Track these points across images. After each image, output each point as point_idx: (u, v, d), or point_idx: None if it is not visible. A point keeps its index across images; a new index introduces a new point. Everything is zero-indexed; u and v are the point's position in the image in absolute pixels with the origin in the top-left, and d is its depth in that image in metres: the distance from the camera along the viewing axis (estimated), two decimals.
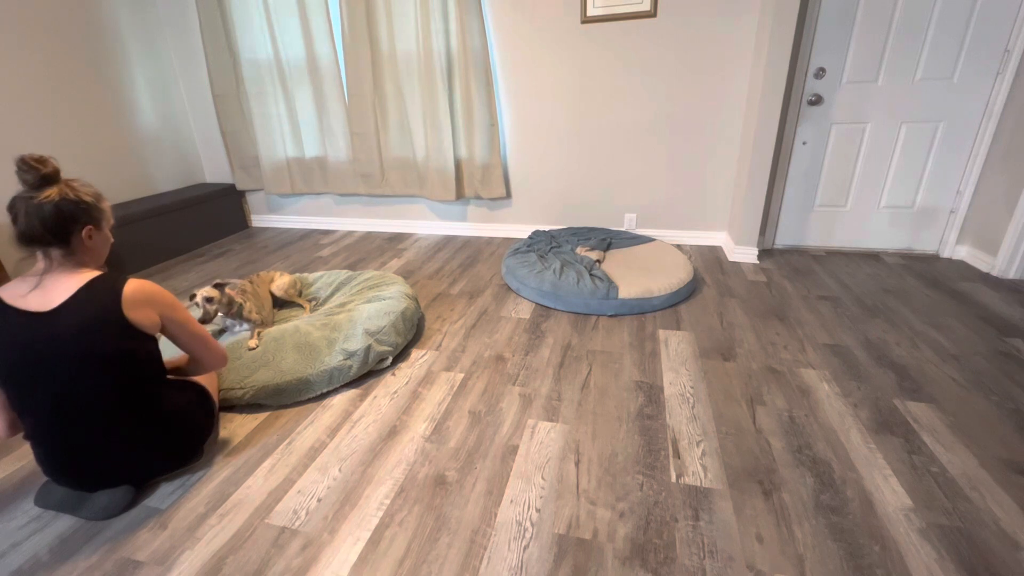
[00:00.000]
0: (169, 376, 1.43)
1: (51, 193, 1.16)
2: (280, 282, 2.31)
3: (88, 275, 1.21)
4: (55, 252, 1.19)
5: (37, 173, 1.15)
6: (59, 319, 1.15)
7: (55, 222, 1.16)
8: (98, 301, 1.19)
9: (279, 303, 2.34)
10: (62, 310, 1.16)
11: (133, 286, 1.23)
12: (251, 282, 2.19)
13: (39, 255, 1.20)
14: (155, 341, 1.33)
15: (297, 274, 2.52)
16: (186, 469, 1.48)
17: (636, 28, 2.84)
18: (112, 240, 1.33)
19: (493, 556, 1.17)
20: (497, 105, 3.20)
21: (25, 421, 1.24)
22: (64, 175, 1.23)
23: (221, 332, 2.01)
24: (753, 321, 2.20)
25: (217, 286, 1.88)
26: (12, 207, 1.15)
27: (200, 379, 1.53)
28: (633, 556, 1.15)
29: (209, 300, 1.83)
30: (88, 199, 1.22)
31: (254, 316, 1.98)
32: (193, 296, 1.84)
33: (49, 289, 1.17)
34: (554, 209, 3.43)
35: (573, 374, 1.86)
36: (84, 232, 1.22)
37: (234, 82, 3.56)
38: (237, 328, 1.98)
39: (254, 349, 1.82)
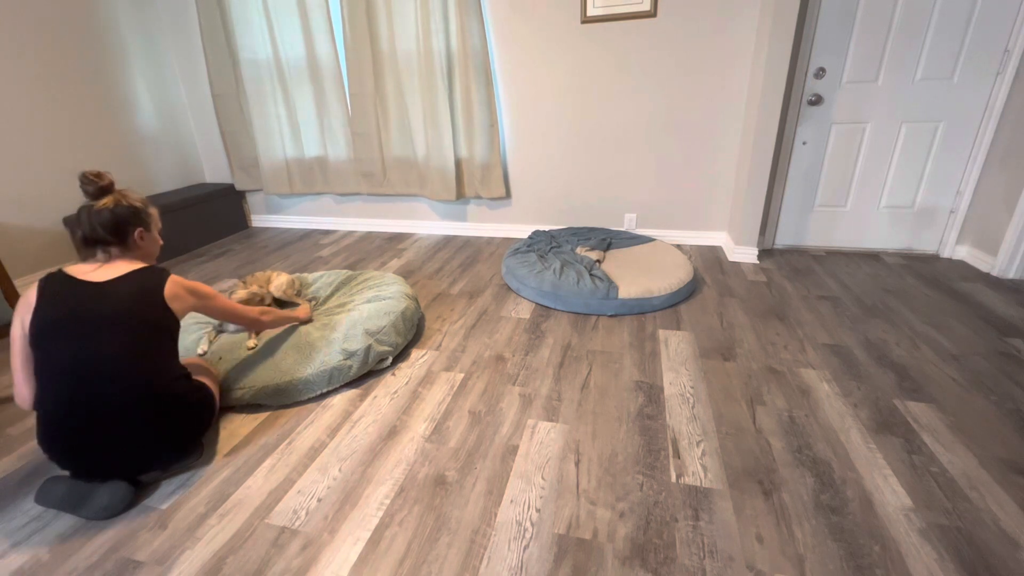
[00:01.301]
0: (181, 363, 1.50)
1: (107, 201, 1.38)
2: (278, 282, 2.31)
3: (141, 264, 1.43)
4: (113, 250, 1.41)
5: (96, 185, 1.38)
6: (109, 287, 1.33)
7: (112, 224, 1.38)
8: (145, 280, 1.38)
9: (278, 303, 2.34)
10: (114, 282, 1.34)
11: (176, 278, 1.44)
12: (245, 282, 2.19)
13: (99, 253, 1.40)
14: (178, 326, 1.45)
15: (297, 274, 2.52)
16: (186, 468, 1.48)
17: (636, 28, 2.84)
18: (161, 242, 1.55)
19: (493, 556, 1.17)
20: (497, 105, 3.20)
21: (40, 385, 1.30)
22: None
23: (220, 333, 2.01)
24: (753, 321, 2.20)
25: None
26: (78, 215, 1.38)
27: (201, 376, 1.56)
28: (633, 556, 1.15)
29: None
30: (138, 204, 1.44)
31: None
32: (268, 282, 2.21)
33: (108, 268, 1.37)
34: (554, 209, 3.43)
35: (573, 374, 1.86)
36: (136, 233, 1.43)
37: (234, 82, 3.56)
38: (232, 328, 1.98)
39: (253, 349, 1.82)
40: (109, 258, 1.40)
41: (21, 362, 1.32)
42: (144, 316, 1.34)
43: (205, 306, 1.52)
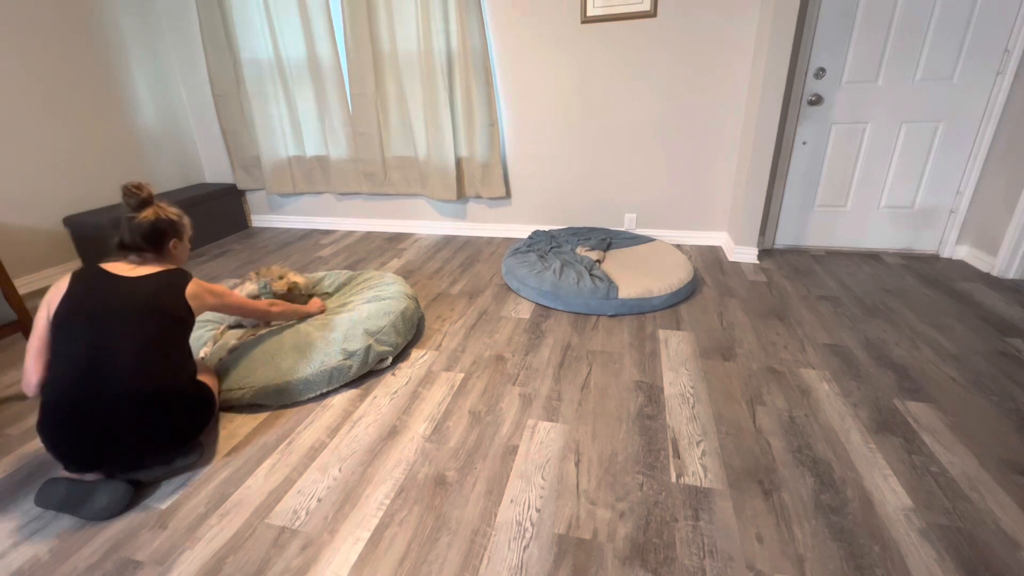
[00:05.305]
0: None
1: (148, 214, 1.50)
2: (295, 281, 2.32)
3: (171, 267, 1.55)
4: (148, 255, 1.53)
5: (137, 197, 1.50)
6: (138, 281, 1.44)
7: (151, 236, 1.51)
8: (171, 278, 1.50)
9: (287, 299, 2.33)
10: (142, 278, 1.45)
11: (199, 281, 1.56)
12: (259, 274, 2.19)
13: (133, 255, 1.52)
14: (193, 321, 1.53)
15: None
16: (186, 468, 1.48)
17: (636, 28, 2.84)
18: (190, 248, 1.69)
19: (493, 556, 1.17)
20: (497, 105, 3.20)
21: (51, 372, 1.34)
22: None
23: (232, 328, 2.02)
24: (753, 321, 2.20)
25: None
26: (118, 224, 1.51)
27: (203, 375, 1.58)
28: (633, 556, 1.15)
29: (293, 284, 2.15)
30: (175, 218, 1.57)
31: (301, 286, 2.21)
32: (282, 277, 2.14)
33: (139, 268, 1.49)
34: (554, 209, 3.43)
35: (573, 374, 1.86)
36: (171, 244, 1.57)
37: (234, 82, 3.56)
38: (248, 321, 2.00)
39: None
40: (143, 262, 1.52)
41: (38, 347, 1.36)
42: (164, 307, 1.43)
43: (222, 304, 1.63)
